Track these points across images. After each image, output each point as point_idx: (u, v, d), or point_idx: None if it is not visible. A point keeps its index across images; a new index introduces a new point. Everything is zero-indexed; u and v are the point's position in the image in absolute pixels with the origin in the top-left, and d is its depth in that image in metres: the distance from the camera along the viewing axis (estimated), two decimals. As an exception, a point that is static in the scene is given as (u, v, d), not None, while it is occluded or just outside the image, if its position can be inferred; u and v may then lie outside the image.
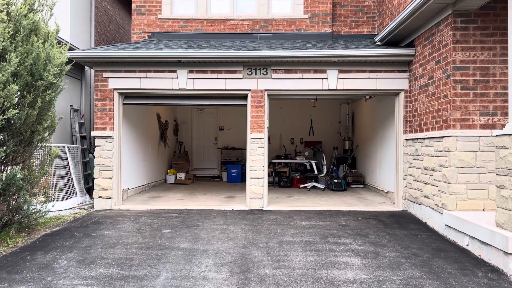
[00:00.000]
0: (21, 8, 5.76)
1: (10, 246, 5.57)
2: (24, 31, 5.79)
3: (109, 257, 5.04)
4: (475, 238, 5.22)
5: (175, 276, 4.41)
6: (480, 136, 6.03)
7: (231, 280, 4.30)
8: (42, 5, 6.30)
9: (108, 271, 4.55)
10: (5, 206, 5.98)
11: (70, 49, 8.44)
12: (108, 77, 8.45)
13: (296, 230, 6.45)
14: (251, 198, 8.34)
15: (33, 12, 6.11)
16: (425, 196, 6.99)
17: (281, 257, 5.08)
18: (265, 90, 8.37)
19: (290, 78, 8.32)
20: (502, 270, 4.58)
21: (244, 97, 8.56)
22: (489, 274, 4.49)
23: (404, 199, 8.08)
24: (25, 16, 5.79)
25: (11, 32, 5.59)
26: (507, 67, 5.95)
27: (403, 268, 4.69)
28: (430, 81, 6.94)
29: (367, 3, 10.54)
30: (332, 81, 8.24)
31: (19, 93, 5.80)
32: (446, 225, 6.08)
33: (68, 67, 6.62)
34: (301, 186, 11.74)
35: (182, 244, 5.61)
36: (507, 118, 5.92)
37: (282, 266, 4.75)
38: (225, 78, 8.37)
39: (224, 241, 5.79)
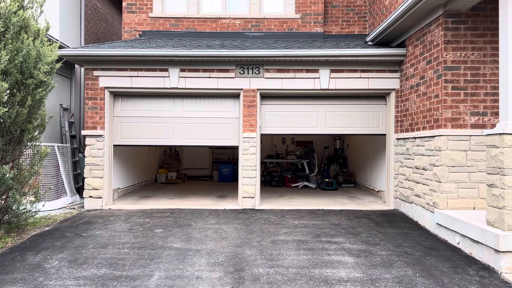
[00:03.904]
0: (10, 5, 5.67)
1: (-1, 246, 5.50)
2: (14, 29, 5.70)
3: (101, 257, 4.99)
4: (466, 236, 5.27)
5: (168, 275, 4.39)
6: (470, 135, 6.11)
7: (225, 280, 4.29)
8: (32, 2, 6.21)
9: (101, 271, 4.51)
10: (-6, 206, 5.90)
11: (60, 47, 8.36)
12: (98, 76, 8.36)
13: (288, 229, 6.45)
14: (243, 197, 8.33)
15: (23, 9, 6.03)
16: (416, 195, 7.05)
17: (275, 256, 5.08)
18: (258, 89, 8.36)
19: (282, 78, 8.33)
20: (493, 268, 4.63)
21: (237, 96, 8.54)
22: (480, 272, 4.55)
23: (395, 198, 8.14)
24: (15, 13, 5.71)
25: (1, 30, 5.51)
26: (497, 67, 6.03)
27: (395, 266, 4.72)
28: (421, 81, 7.00)
29: (358, 3, 10.59)
30: (324, 81, 8.27)
31: (8, 91, 5.72)
32: (437, 223, 6.14)
33: (58, 65, 6.54)
34: (293, 185, 11.76)
35: (175, 244, 5.58)
36: (497, 118, 6.01)
37: (276, 265, 4.75)
38: (217, 77, 8.35)
39: (217, 240, 5.78)
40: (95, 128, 8.34)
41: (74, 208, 8.31)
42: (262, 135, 8.68)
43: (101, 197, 8.28)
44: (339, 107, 8.59)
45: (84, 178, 8.38)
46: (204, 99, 8.63)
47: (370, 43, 8.73)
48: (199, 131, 8.61)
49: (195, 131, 8.61)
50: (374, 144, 10.12)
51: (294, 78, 8.33)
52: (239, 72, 8.34)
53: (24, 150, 6.38)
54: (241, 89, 8.38)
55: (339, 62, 8.21)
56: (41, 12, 6.35)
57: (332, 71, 8.29)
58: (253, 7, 10.29)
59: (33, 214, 6.51)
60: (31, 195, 6.61)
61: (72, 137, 10.30)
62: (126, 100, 8.64)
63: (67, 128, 10.18)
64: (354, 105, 8.58)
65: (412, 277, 4.37)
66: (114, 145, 8.61)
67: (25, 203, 6.33)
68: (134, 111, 8.63)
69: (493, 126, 5.98)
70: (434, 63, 6.48)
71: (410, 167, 7.32)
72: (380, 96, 8.49)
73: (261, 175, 9.75)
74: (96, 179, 8.28)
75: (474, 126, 6.14)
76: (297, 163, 12.92)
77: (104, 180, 8.31)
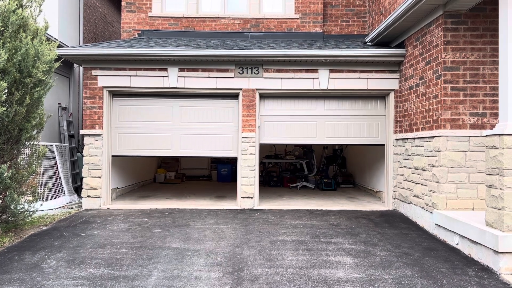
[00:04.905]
0: (9, 3, 5.65)
1: (-3, 246, 5.47)
2: (13, 27, 5.68)
3: (99, 257, 4.97)
4: (465, 237, 5.27)
5: (166, 276, 4.37)
6: (469, 136, 6.10)
7: (223, 280, 4.27)
8: (31, 1, 6.19)
9: (99, 271, 4.49)
10: (-8, 205, 5.87)
11: (59, 46, 8.33)
12: (97, 75, 8.34)
13: (287, 229, 6.44)
14: (242, 197, 8.31)
15: (22, 8, 6.00)
16: (415, 196, 7.04)
17: (273, 256, 5.07)
18: (257, 89, 8.35)
19: (281, 78, 8.31)
20: (492, 269, 4.63)
21: (236, 96, 8.53)
22: (479, 273, 4.54)
23: (394, 198, 8.14)
24: (13, 11, 5.69)
25: (1, 29, 5.49)
26: (496, 68, 6.03)
27: (394, 267, 4.71)
28: (420, 81, 7.00)
29: (357, 3, 10.59)
30: (324, 81, 8.26)
31: (7, 90, 5.69)
32: (436, 224, 6.14)
33: (57, 64, 6.52)
34: (291, 185, 11.75)
35: (173, 244, 5.56)
36: (496, 118, 6.01)
37: (275, 265, 4.73)
38: (217, 77, 8.33)
39: (215, 240, 5.76)
40: (93, 127, 8.32)
41: (72, 208, 8.29)
42: (261, 144, 8.65)
43: (99, 197, 8.26)
44: (337, 117, 8.53)
45: (82, 177, 8.35)
46: (203, 104, 8.57)
47: (370, 43, 8.73)
48: (198, 142, 8.58)
49: (194, 142, 8.58)
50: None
51: (294, 78, 8.31)
52: (238, 72, 8.33)
53: (22, 149, 6.35)
54: (240, 89, 8.36)
55: (338, 62, 8.20)
56: (40, 11, 6.32)
57: (332, 71, 8.28)
58: (252, 7, 10.28)
59: (31, 213, 6.48)
60: (29, 194, 6.59)
61: (71, 136, 10.29)
62: (124, 108, 8.57)
63: (65, 128, 10.16)
64: (354, 115, 8.53)
65: (411, 278, 4.36)
66: (112, 156, 8.58)
67: (23, 202, 6.30)
68: (133, 122, 8.56)
69: (492, 126, 5.98)
70: (434, 63, 6.47)
71: (409, 168, 7.31)
72: (379, 96, 8.47)
73: (260, 175, 9.75)
74: (94, 179, 8.25)
75: (473, 126, 6.13)
76: (296, 163, 12.91)
77: (102, 180, 8.29)
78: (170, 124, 8.58)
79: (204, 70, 8.33)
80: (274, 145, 14.31)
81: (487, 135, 4.95)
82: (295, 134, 8.58)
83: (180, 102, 8.59)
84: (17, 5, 5.81)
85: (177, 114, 8.58)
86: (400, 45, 7.92)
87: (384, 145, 8.47)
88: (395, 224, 6.88)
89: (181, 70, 8.32)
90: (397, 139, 8.04)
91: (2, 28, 5.57)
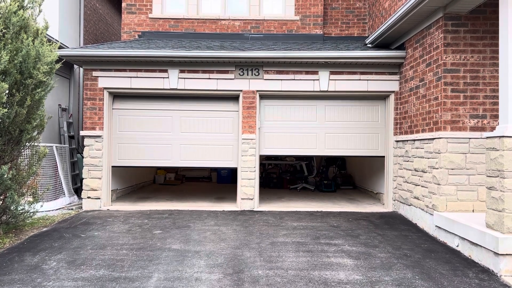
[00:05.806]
0: (10, 5, 5.65)
1: (-3, 247, 5.47)
2: (14, 29, 5.68)
3: (100, 258, 4.97)
4: (465, 239, 5.27)
5: (167, 277, 4.37)
6: (470, 138, 6.11)
7: (224, 281, 4.27)
8: (32, 2, 6.19)
9: (99, 272, 4.49)
10: (-8, 206, 5.87)
11: (60, 47, 8.34)
12: (98, 76, 8.35)
13: (287, 231, 6.44)
14: (242, 198, 8.31)
15: (23, 9, 6.01)
16: (415, 197, 7.05)
17: (274, 258, 5.07)
18: (257, 90, 8.35)
19: (281, 79, 8.32)
20: (492, 271, 4.63)
21: (236, 98, 8.54)
22: (479, 275, 4.55)
23: (394, 200, 8.14)
24: (14, 13, 5.69)
25: (1, 30, 5.50)
26: (496, 70, 6.04)
27: (395, 268, 4.72)
28: (420, 83, 7.01)
29: (357, 5, 10.61)
30: (324, 83, 8.27)
31: (8, 91, 5.69)
32: (436, 226, 6.14)
33: (58, 66, 6.52)
34: (291, 187, 11.75)
35: (174, 245, 5.56)
36: (497, 120, 6.02)
37: (275, 267, 4.74)
38: (217, 79, 8.34)
39: (216, 242, 5.76)
40: (93, 128, 8.32)
41: (72, 209, 8.28)
42: (261, 156, 8.66)
43: (99, 198, 8.25)
44: (338, 128, 8.56)
45: (82, 178, 8.35)
46: (204, 112, 8.59)
47: (370, 45, 8.74)
48: (198, 152, 8.60)
49: (194, 152, 8.60)
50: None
51: (294, 79, 8.32)
52: (239, 74, 8.34)
53: (23, 150, 6.35)
54: (241, 91, 8.37)
55: (338, 64, 8.21)
56: (40, 11, 6.32)
57: (332, 73, 8.29)
58: (252, 9, 10.30)
59: (31, 214, 6.47)
60: (29, 195, 6.59)
61: (71, 137, 10.28)
62: (124, 118, 8.58)
63: (65, 129, 10.16)
64: (354, 127, 8.55)
65: (411, 280, 4.37)
66: (112, 166, 8.59)
67: (23, 203, 6.30)
68: (132, 132, 8.56)
69: (493, 128, 5.99)
70: (434, 65, 6.48)
71: (409, 170, 7.32)
72: (379, 98, 8.48)
73: (260, 177, 9.75)
74: (94, 180, 8.25)
75: (473, 128, 6.14)
76: (295, 165, 12.91)
77: (102, 181, 8.29)
78: (170, 134, 8.58)
79: (204, 72, 8.34)
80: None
81: (487, 137, 4.96)
82: (296, 145, 8.59)
83: (180, 113, 8.59)
84: (18, 6, 5.82)
85: (177, 124, 8.59)
86: (400, 47, 7.93)
87: (384, 156, 8.48)
88: (395, 225, 6.89)
89: (182, 71, 8.32)
90: (397, 141, 8.05)
91: (3, 30, 5.57)
